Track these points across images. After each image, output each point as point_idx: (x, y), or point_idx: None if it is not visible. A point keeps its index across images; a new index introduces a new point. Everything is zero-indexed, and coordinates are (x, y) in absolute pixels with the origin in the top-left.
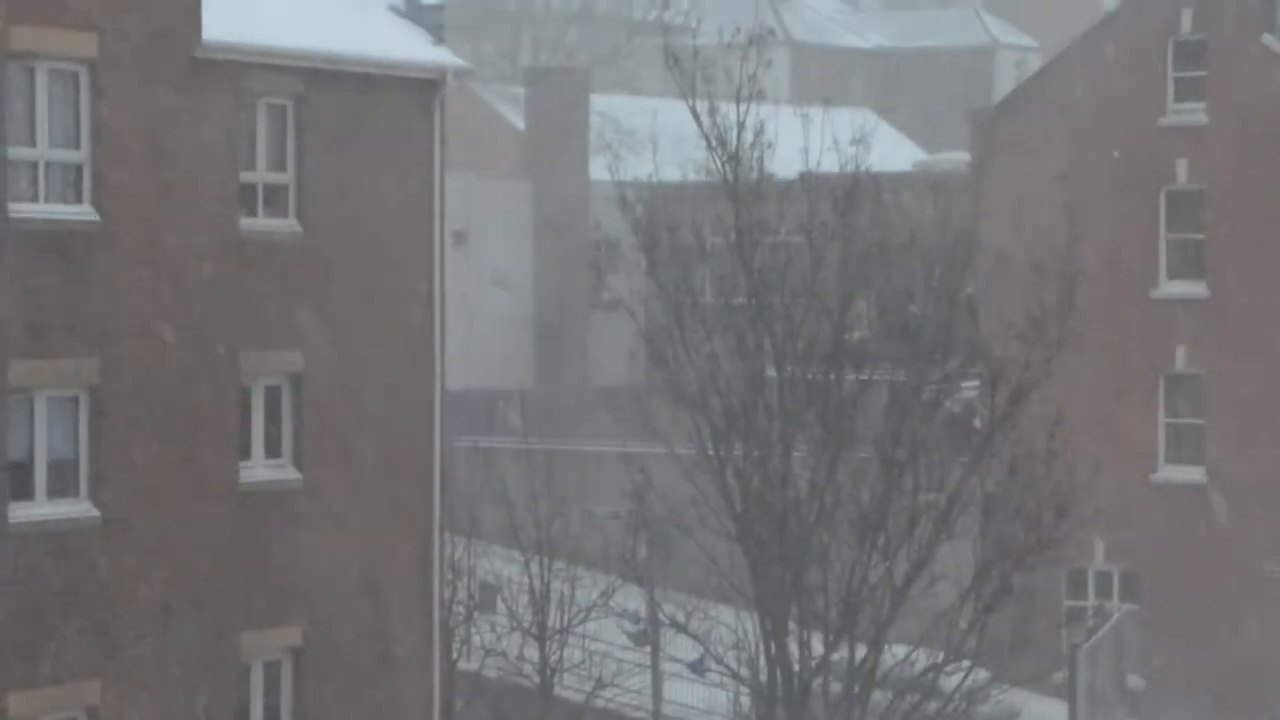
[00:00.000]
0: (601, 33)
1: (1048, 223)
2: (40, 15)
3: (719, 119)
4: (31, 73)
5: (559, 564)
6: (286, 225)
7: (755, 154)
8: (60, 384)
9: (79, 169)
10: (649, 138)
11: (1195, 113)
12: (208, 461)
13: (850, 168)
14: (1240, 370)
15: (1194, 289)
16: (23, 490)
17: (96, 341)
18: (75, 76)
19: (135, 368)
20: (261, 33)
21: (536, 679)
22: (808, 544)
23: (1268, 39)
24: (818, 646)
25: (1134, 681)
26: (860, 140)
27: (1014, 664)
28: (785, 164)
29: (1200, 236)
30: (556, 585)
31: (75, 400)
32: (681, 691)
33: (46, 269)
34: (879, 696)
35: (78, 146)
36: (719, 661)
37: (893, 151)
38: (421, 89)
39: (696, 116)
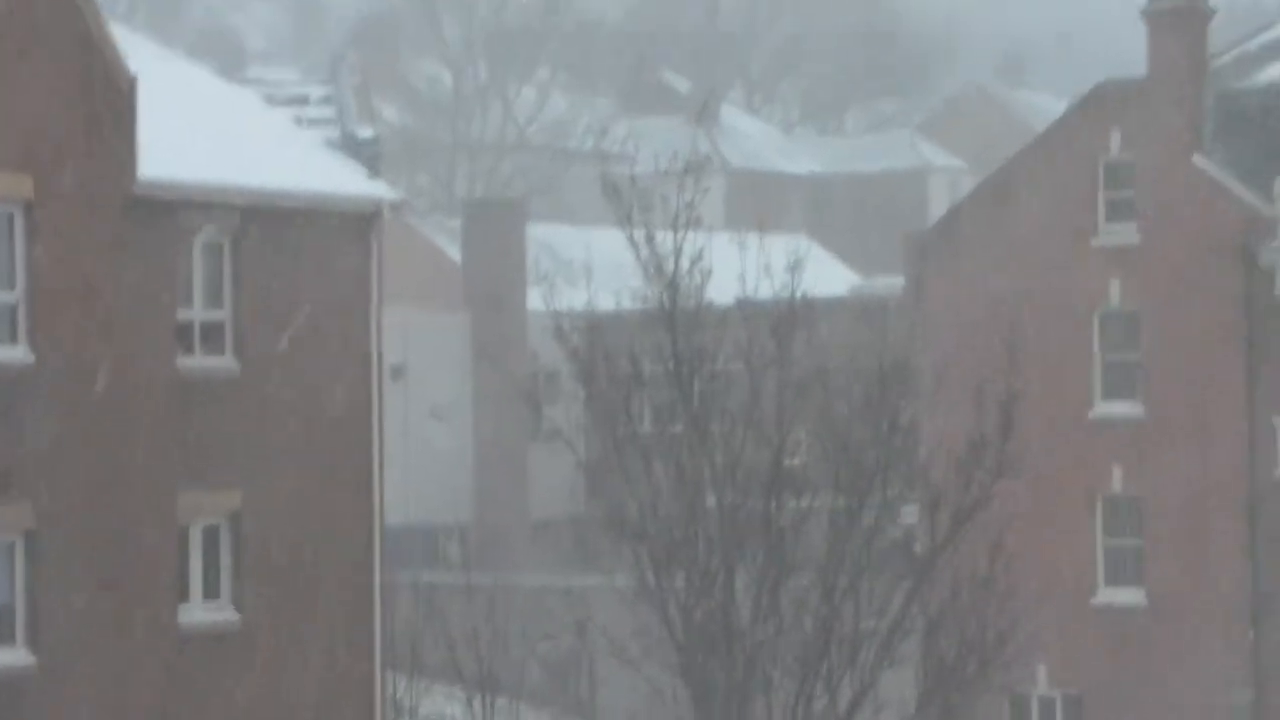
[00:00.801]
0: (537, 163)
1: (984, 345)
2: None
3: (656, 247)
4: None
5: (501, 700)
6: (224, 363)
7: (693, 281)
8: None
9: (13, 310)
10: (586, 267)
11: (1126, 234)
12: (146, 605)
13: (786, 294)
14: (1178, 490)
15: (1130, 409)
16: None
17: (31, 485)
18: (10, 217)
19: (71, 511)
20: (197, 170)
21: None
22: (751, 675)
23: (1197, 159)
24: None
25: None
26: (795, 266)
27: None
28: (722, 290)
29: (1135, 357)
30: None
31: (10, 546)
32: None
33: None
34: None
35: (12, 287)
36: None
37: (828, 276)
38: (358, 222)
39: (634, 245)
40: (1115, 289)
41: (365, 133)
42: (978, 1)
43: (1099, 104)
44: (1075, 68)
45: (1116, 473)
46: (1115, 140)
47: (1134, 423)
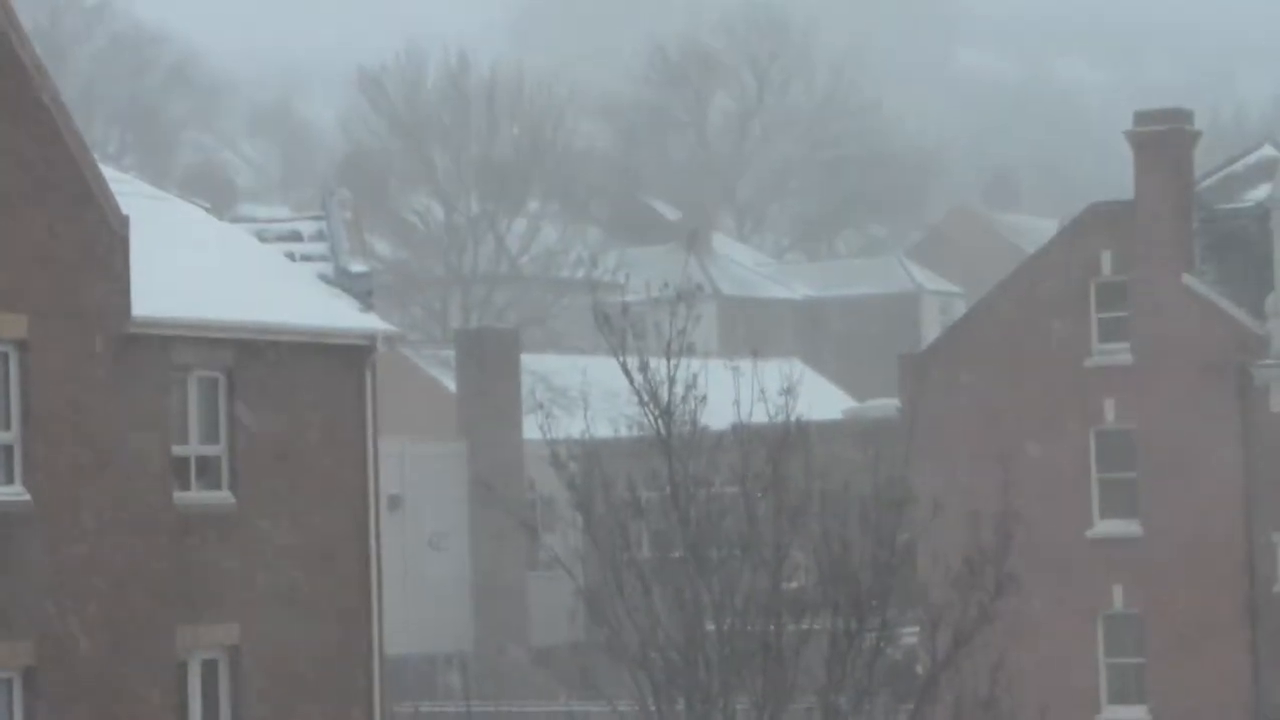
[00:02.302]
0: (530, 293)
1: (981, 465)
2: None
3: (650, 374)
4: None
5: None
6: (220, 497)
7: (687, 408)
8: None
9: (9, 449)
10: (580, 395)
11: (1120, 353)
12: None
13: (781, 418)
14: (1179, 607)
15: (1128, 527)
16: None
17: (30, 622)
18: (4, 357)
19: (69, 647)
20: (191, 305)
21: None
22: None
23: (1187, 279)
24: None
25: None
26: (790, 390)
27: None
28: (717, 416)
29: (1133, 476)
30: None
31: (9, 682)
32: None
33: None
34: None
35: (7, 427)
36: None
37: (823, 400)
38: (352, 355)
39: (627, 373)
40: (1110, 408)
41: (358, 267)
42: (964, 126)
43: (1089, 226)
44: (1062, 190)
45: (1117, 591)
46: (1106, 261)
47: (1133, 541)
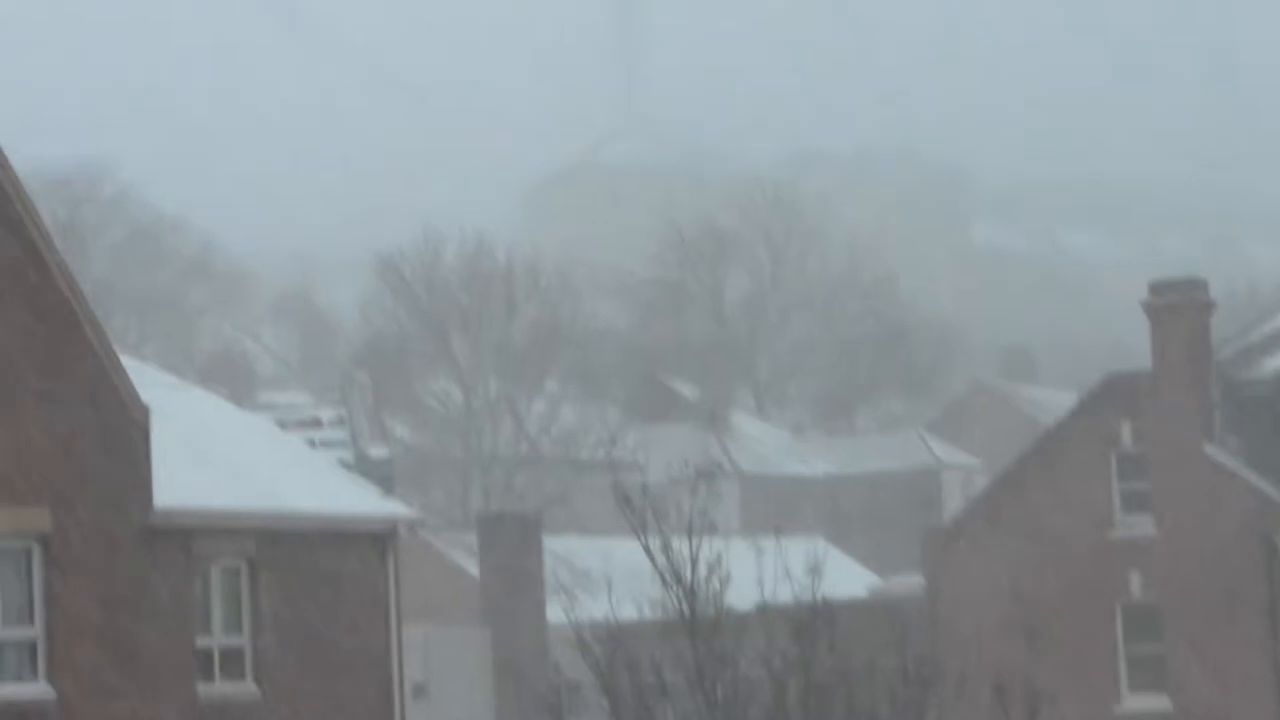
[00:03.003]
0: (550, 475)
1: (1006, 640)
2: None
3: (673, 555)
4: None
5: None
6: (245, 689)
7: (711, 588)
8: None
9: (32, 645)
10: (603, 577)
11: (1144, 525)
12: None
13: (806, 597)
14: None
15: (1157, 702)
16: None
17: None
18: (28, 552)
19: None
20: (213, 496)
21: None
22: None
23: (1209, 449)
24: None
25: None
26: (814, 569)
27: None
28: (741, 595)
29: (1160, 649)
30: None
31: None
32: None
33: None
34: None
35: (31, 622)
36: None
37: (846, 577)
38: (374, 541)
39: (650, 553)
40: (1136, 581)
41: (378, 452)
42: (980, 299)
43: (1108, 397)
44: (1079, 361)
45: None
46: (1126, 432)
47: (1163, 717)
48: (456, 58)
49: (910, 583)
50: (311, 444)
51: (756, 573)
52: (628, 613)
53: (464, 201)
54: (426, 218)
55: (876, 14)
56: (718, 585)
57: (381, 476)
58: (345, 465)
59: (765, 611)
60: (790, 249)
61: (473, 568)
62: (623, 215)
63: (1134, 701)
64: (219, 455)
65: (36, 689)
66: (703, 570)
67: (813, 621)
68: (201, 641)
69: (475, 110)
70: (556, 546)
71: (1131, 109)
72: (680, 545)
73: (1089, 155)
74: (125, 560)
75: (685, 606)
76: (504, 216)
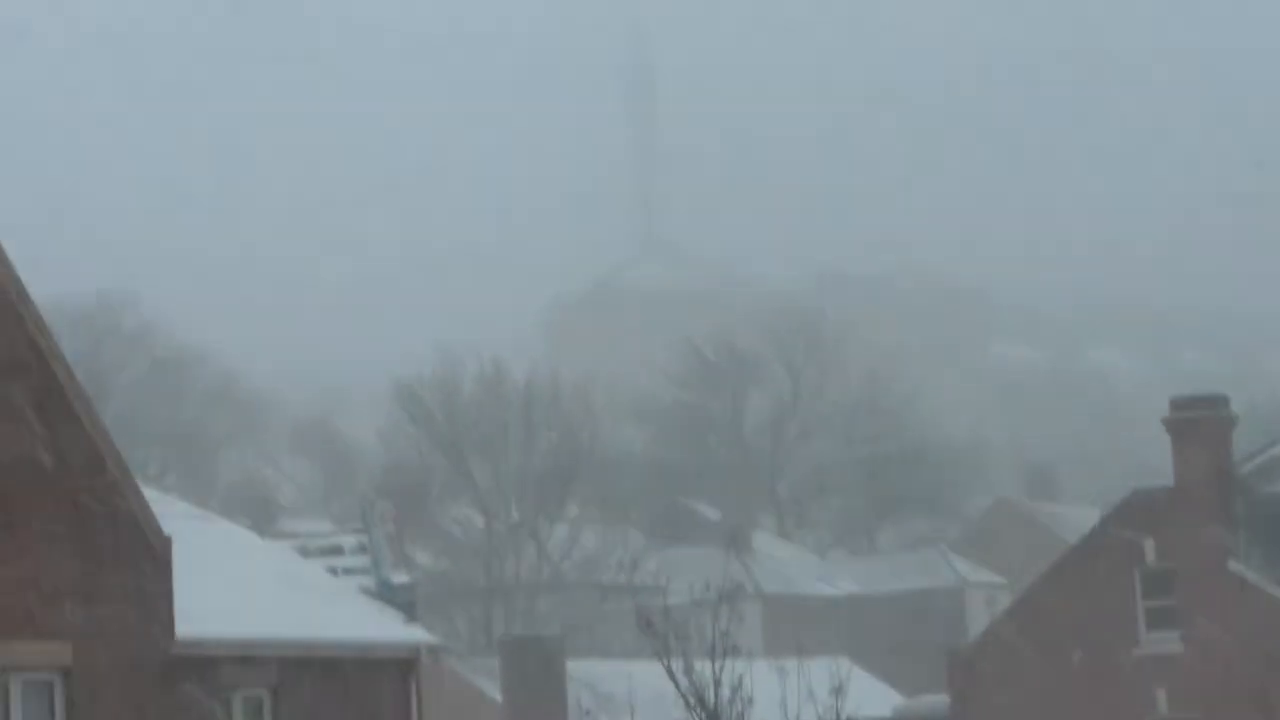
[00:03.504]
0: (572, 599)
1: None
2: (11, 626)
3: (696, 677)
4: (5, 685)
5: None
6: None
7: (735, 710)
8: None
9: None
10: (627, 701)
11: (1170, 642)
12: None
13: (830, 718)
14: None
15: None
16: None
17: None
18: (49, 685)
19: None
20: (235, 625)
21: None
22: None
23: (1233, 565)
24: None
25: None
26: (838, 690)
27: None
28: (765, 717)
29: None
30: None
31: None
32: None
33: None
34: None
35: None
36: None
37: (871, 697)
38: (397, 668)
39: (673, 676)
40: (1162, 698)
41: (400, 579)
42: (1000, 417)
43: (1131, 513)
44: (1101, 476)
45: None
46: (1150, 549)
47: None
48: (474, 183)
49: (936, 703)
50: (333, 571)
51: (780, 694)
52: None
53: (484, 327)
54: (446, 344)
55: (893, 137)
56: (741, 707)
57: (404, 603)
58: (367, 592)
59: None
60: (810, 370)
61: (496, 693)
62: (643, 338)
63: None
64: (241, 584)
65: None
66: (726, 692)
67: None
68: None
69: (494, 235)
70: (579, 671)
71: (1149, 226)
72: (703, 667)
73: (1107, 272)
74: (148, 691)
75: None
76: (524, 341)
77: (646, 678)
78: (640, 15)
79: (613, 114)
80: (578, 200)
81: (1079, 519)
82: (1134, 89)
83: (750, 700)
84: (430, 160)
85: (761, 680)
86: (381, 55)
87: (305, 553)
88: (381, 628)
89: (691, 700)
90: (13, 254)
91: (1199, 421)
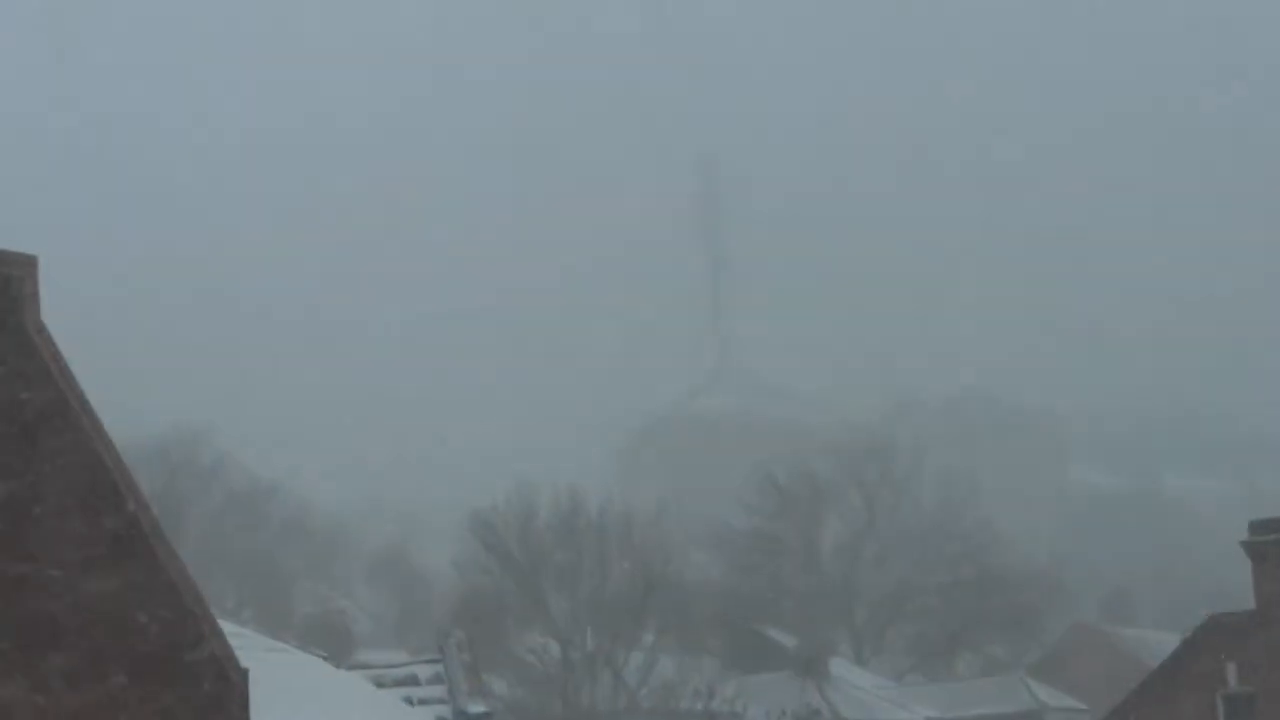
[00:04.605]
0: None
1: None
2: None
3: None
4: None
5: None
6: None
7: None
8: None
9: None
10: None
11: None
12: None
13: None
14: None
15: None
16: None
17: None
18: None
19: None
20: None
21: None
22: None
23: None
24: None
25: None
26: None
27: None
28: None
29: None
30: None
31: None
32: None
33: None
34: None
35: None
36: None
37: None
38: None
39: None
40: None
41: (476, 708)
42: (1077, 541)
43: (1211, 637)
44: (1179, 599)
45: None
46: (1231, 673)
47: None
48: (546, 313)
49: None
50: (409, 702)
51: None
52: None
53: (558, 455)
54: (520, 473)
55: (963, 262)
56: None
57: None
58: None
59: None
60: (884, 495)
61: None
62: (717, 466)
63: None
64: (318, 716)
65: None
66: None
67: None
68: None
69: (567, 364)
70: None
71: (1225, 346)
72: None
73: (1184, 393)
74: None
75: None
76: (598, 469)
77: None
78: (712, 143)
79: (684, 242)
80: (649, 329)
81: (1157, 643)
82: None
83: None
84: (502, 290)
85: None
86: (436, 209)
87: (381, 683)
88: None
89: None
90: (90, 387)
91: (1278, 544)
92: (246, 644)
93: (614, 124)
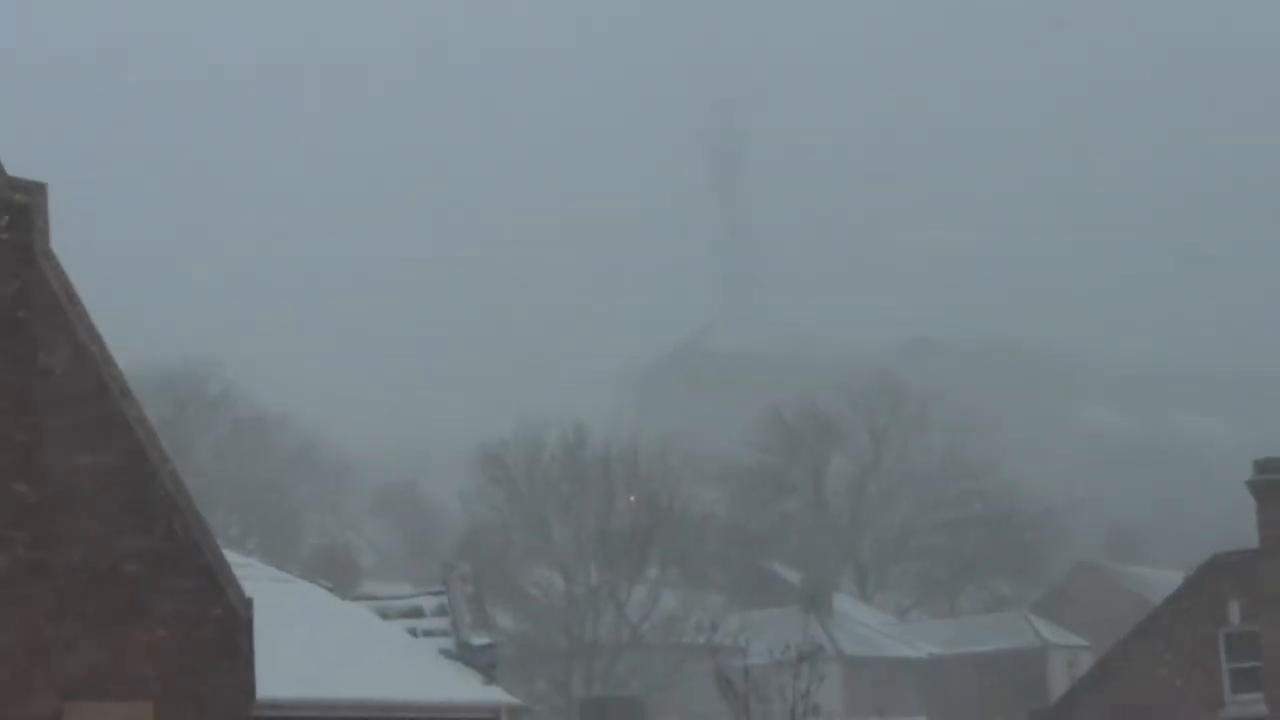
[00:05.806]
0: (652, 660)
1: None
2: (96, 688)
3: None
4: None
5: None
6: None
7: None
8: None
9: None
10: None
11: (1254, 703)
12: None
13: None
14: None
15: None
16: None
17: None
18: None
19: None
20: (316, 686)
21: None
22: None
23: None
24: None
25: None
26: None
27: None
28: None
29: None
30: None
31: None
32: None
33: None
34: None
35: None
36: None
37: None
38: None
39: None
40: None
41: (480, 640)
42: (1084, 480)
43: (1215, 576)
44: (1185, 539)
45: None
46: (1234, 611)
47: None
48: (557, 248)
49: None
50: (413, 634)
51: None
52: None
53: (566, 390)
54: (529, 408)
55: (984, 206)
56: None
57: (484, 664)
58: (448, 654)
59: None
60: (894, 433)
61: None
62: (724, 402)
63: None
64: (322, 646)
65: None
66: None
67: None
68: None
69: (576, 299)
70: None
71: (1239, 291)
72: None
73: (1194, 337)
74: None
75: None
76: (608, 405)
77: None
78: (728, 86)
79: (698, 180)
80: (661, 265)
81: (1162, 581)
82: (1229, 148)
83: None
84: (514, 225)
85: None
86: (466, 127)
87: (386, 615)
88: (462, 689)
89: None
90: (100, 319)
91: None
92: (252, 573)
93: (631, 63)
